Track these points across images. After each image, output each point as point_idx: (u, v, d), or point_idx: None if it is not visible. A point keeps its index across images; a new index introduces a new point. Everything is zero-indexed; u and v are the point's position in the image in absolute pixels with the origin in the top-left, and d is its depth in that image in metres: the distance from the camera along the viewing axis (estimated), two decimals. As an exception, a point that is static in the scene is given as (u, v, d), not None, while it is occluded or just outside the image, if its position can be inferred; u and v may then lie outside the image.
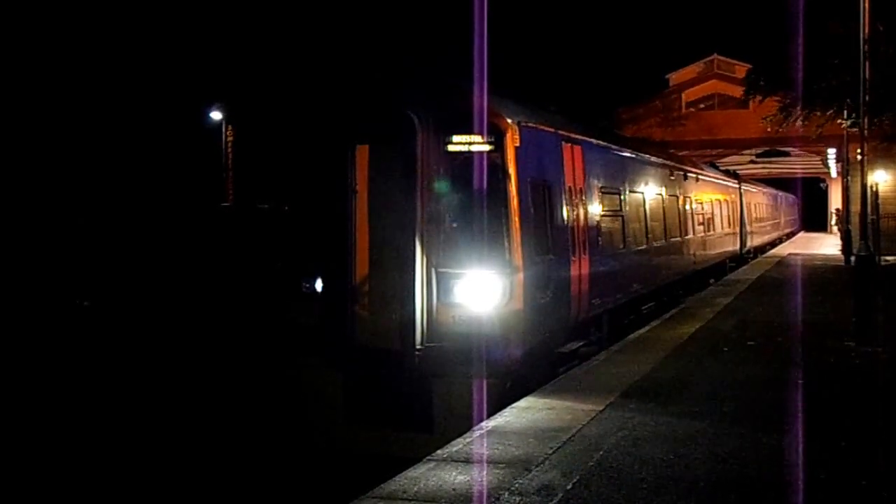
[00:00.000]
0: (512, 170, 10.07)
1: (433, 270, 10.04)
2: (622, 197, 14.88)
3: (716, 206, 24.52)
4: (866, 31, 13.46)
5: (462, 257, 10.04)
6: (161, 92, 36.23)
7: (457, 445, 7.85)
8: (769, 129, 28.74)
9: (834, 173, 49.81)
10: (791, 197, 59.15)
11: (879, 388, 10.23)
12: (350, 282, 10.39)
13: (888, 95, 20.91)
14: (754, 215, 34.74)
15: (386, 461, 8.40)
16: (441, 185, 10.18)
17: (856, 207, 20.83)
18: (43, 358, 16.78)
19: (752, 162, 55.15)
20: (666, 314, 16.87)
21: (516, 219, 10.07)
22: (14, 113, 32.11)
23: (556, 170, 11.68)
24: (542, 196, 11.02)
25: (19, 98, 32.60)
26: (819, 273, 26.75)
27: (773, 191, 48.26)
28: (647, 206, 16.49)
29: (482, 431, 8.28)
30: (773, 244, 43.60)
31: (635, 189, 15.89)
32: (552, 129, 11.78)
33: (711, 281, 24.05)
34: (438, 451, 7.67)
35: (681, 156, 26.29)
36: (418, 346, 9.95)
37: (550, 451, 7.51)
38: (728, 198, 27.17)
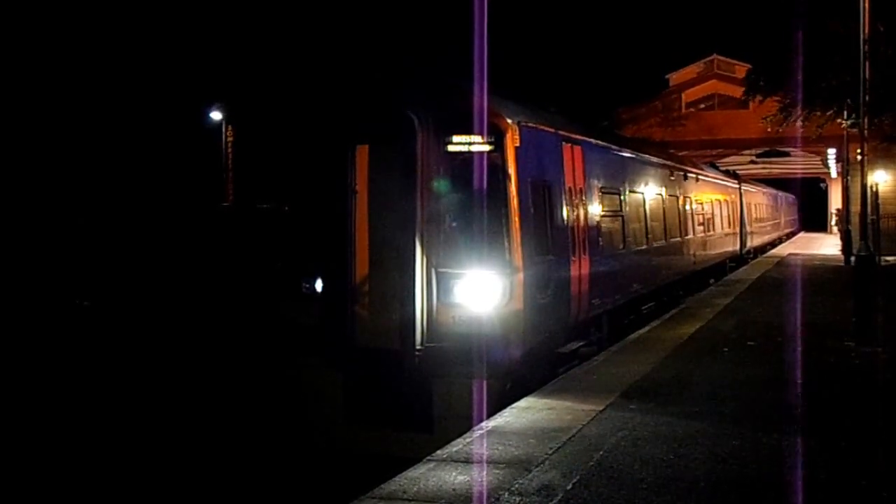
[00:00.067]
0: (512, 170, 10.07)
1: (433, 270, 10.04)
2: (622, 197, 14.88)
3: (716, 207, 24.52)
4: (866, 31, 13.46)
5: (462, 257, 10.05)
6: (161, 92, 36.22)
7: (457, 446, 7.84)
8: (769, 129, 28.76)
9: (834, 173, 49.80)
10: (791, 197, 59.15)
11: (879, 388, 10.23)
12: (350, 282, 10.39)
13: (888, 95, 20.92)
14: (754, 215, 34.74)
15: (386, 461, 8.41)
16: (441, 185, 10.18)
17: (856, 207, 20.83)
18: (43, 358, 16.78)
19: (752, 162, 55.20)
20: (666, 314, 16.87)
21: (516, 219, 10.07)
22: (14, 113, 32.11)
23: (556, 170, 11.68)
24: (542, 196, 11.02)
25: (20, 98, 32.60)
26: (819, 273, 26.74)
27: (773, 191, 48.26)
28: (647, 207, 16.50)
29: (482, 432, 8.28)
30: (773, 244, 43.61)
31: (635, 189, 15.90)
32: (552, 130, 11.79)
33: (711, 281, 24.05)
34: (438, 452, 7.67)
35: (681, 156, 26.30)
36: (418, 347, 9.95)
37: (550, 452, 7.51)
38: (728, 198, 27.17)
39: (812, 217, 70.35)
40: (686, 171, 20.77)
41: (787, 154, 52.76)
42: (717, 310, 17.45)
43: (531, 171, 10.68)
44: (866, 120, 14.03)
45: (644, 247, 16.07)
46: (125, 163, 34.78)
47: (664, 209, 17.92)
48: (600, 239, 13.21)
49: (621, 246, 14.55)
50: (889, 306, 15.55)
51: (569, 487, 6.59)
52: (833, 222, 55.38)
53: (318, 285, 10.75)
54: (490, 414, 9.06)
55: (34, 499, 10.61)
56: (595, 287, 12.63)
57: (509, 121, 10.15)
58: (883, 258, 26.06)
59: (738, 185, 30.72)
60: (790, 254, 37.25)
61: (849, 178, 31.40)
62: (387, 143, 10.27)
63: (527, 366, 10.52)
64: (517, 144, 10.14)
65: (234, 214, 32.08)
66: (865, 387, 10.31)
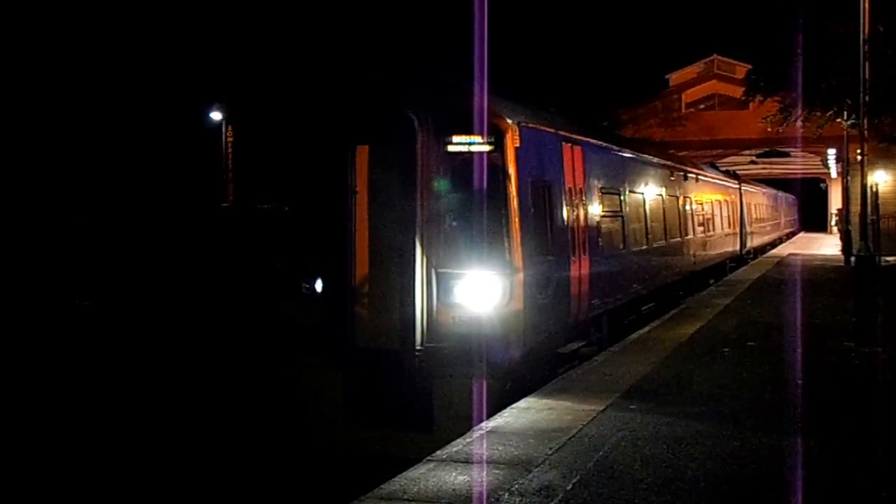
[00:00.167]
0: (512, 170, 10.07)
1: (433, 271, 10.04)
2: (622, 197, 14.88)
3: (716, 207, 24.53)
4: (866, 31, 13.47)
5: (462, 257, 10.05)
6: (161, 92, 36.22)
7: (457, 446, 7.85)
8: (769, 130, 28.73)
9: (834, 174, 49.80)
10: (791, 197, 59.17)
11: (879, 388, 10.23)
12: (350, 282, 10.39)
13: (888, 95, 20.90)
14: (754, 216, 34.75)
15: (386, 461, 8.42)
16: (441, 186, 10.18)
17: (856, 208, 20.85)
18: (43, 358, 16.78)
19: (752, 162, 55.23)
20: (666, 315, 16.87)
21: (516, 219, 10.07)
22: (15, 113, 32.11)
23: (556, 170, 11.68)
24: (542, 196, 11.02)
25: (20, 98, 32.60)
26: (819, 274, 26.75)
27: (773, 191, 48.28)
28: (647, 207, 16.50)
29: (482, 432, 8.28)
30: (774, 244, 43.63)
31: (635, 190, 15.90)
32: (552, 130, 11.79)
33: (711, 281, 24.05)
34: (438, 452, 7.67)
35: (681, 156, 26.31)
36: (418, 347, 9.95)
37: (550, 452, 7.51)
38: (728, 198, 27.18)
39: (812, 217, 70.38)
40: (686, 172, 20.78)
41: (787, 154, 52.77)
42: (718, 310, 17.46)
43: (531, 172, 10.68)
44: (866, 120, 14.04)
45: (644, 247, 16.08)
46: (125, 163, 34.78)
47: (664, 209, 17.92)
48: (600, 239, 13.21)
49: (621, 246, 14.55)
50: (889, 306, 15.55)
51: (569, 488, 6.59)
52: (833, 222, 55.39)
53: (318, 285, 10.75)
54: (490, 414, 9.06)
55: (34, 499, 10.61)
56: (595, 287, 12.63)
57: (509, 121, 10.15)
58: (883, 258, 26.05)
59: (738, 186, 30.72)
60: (790, 254, 37.25)
61: (849, 178, 31.41)
62: (387, 143, 10.27)
63: (527, 366, 10.53)
64: (517, 145, 10.14)
65: (234, 215, 32.10)
66: (865, 387, 10.32)
